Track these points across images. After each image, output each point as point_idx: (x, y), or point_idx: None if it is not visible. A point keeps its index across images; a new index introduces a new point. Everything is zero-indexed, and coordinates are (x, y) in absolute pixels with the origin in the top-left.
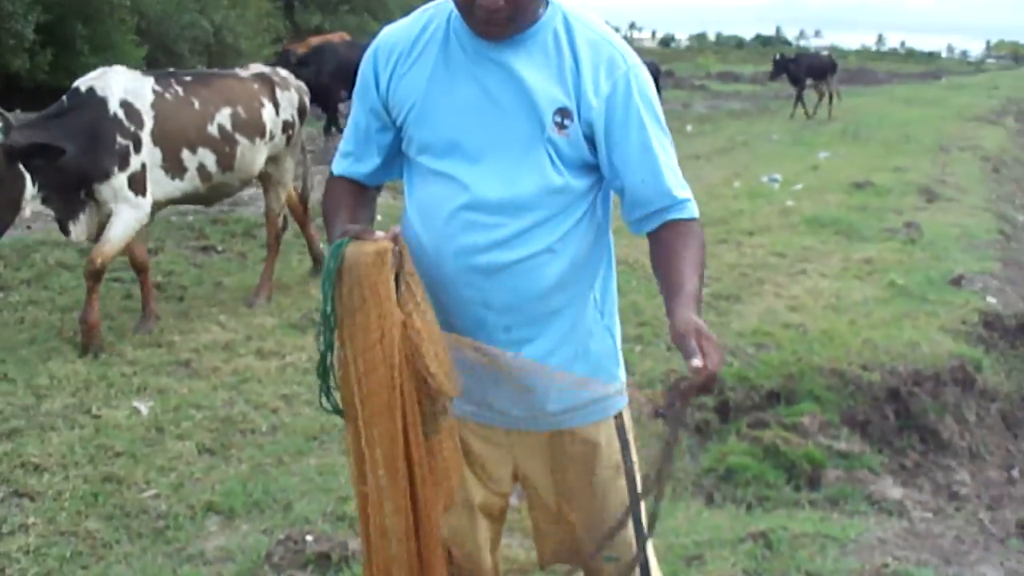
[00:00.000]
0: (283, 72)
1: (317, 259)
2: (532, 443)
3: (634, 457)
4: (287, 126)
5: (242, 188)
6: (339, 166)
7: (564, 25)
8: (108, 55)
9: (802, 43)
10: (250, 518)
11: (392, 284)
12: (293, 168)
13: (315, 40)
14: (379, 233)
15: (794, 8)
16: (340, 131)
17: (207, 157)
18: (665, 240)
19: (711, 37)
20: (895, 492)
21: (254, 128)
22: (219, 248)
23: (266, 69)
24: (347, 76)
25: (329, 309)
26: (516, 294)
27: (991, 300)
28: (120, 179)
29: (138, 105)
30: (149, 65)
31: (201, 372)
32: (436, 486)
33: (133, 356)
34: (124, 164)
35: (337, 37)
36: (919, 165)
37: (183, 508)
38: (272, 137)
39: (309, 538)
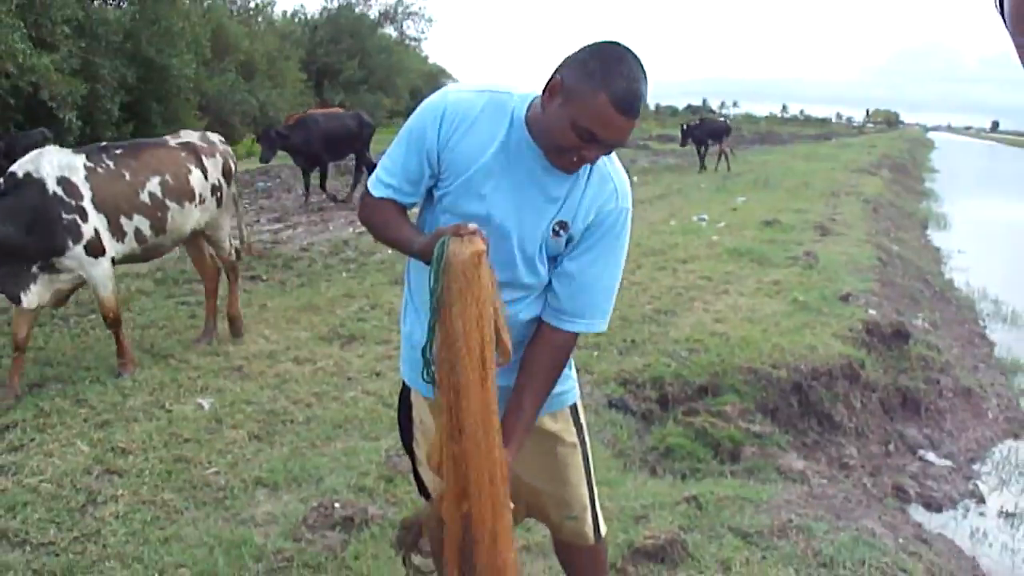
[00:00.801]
0: (212, 137)
1: (208, 329)
2: None
3: (587, 437)
4: (215, 189)
5: (174, 247)
6: (382, 191)
7: None
8: (176, 126)
9: (723, 111)
10: (290, 490)
11: (486, 279)
12: (228, 224)
13: (314, 111)
14: (472, 225)
15: (716, 83)
16: (307, 185)
17: (142, 223)
18: (545, 341)
19: (651, 106)
20: (798, 464)
21: (183, 193)
22: (264, 277)
23: (194, 137)
24: (328, 141)
25: (436, 299)
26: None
27: (872, 312)
28: (78, 251)
29: (75, 179)
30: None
31: (251, 375)
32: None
33: (197, 363)
34: (77, 237)
35: (338, 109)
36: (815, 207)
37: (238, 482)
38: (203, 200)
39: (337, 505)
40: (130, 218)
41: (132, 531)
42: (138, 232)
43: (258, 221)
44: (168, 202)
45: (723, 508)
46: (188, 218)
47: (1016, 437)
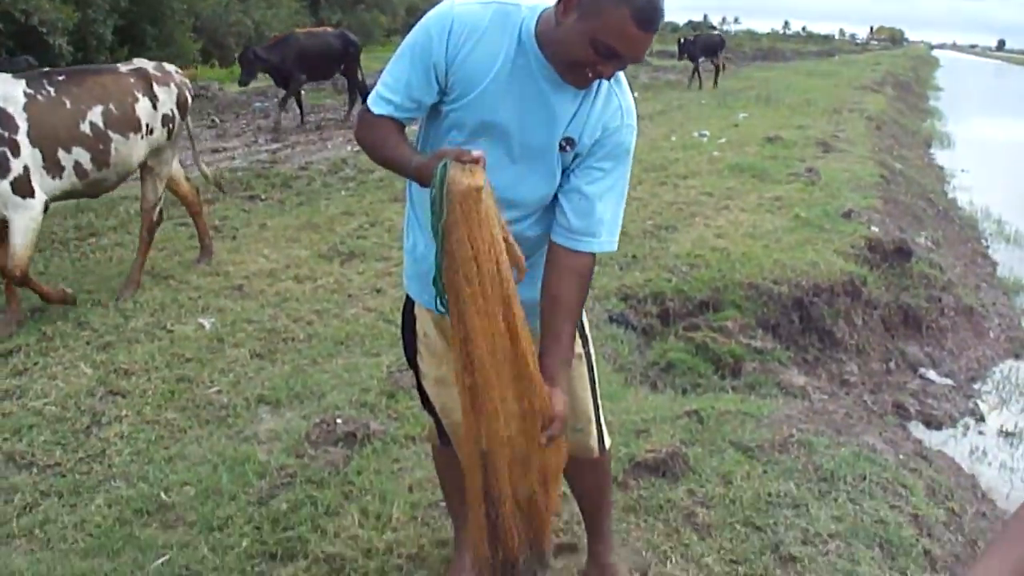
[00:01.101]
0: (167, 67)
1: (205, 248)
2: None
3: (591, 349)
4: (167, 120)
5: (120, 182)
6: (382, 108)
7: None
8: (171, 49)
9: (724, 27)
10: (292, 407)
11: (484, 211)
12: (172, 160)
13: (299, 30)
14: (476, 152)
15: None
16: (299, 104)
17: (82, 155)
18: (562, 267)
19: None
20: (799, 380)
21: (128, 124)
22: (263, 197)
23: (147, 64)
24: (305, 61)
25: (439, 224)
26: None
27: (874, 229)
28: (3, 186)
29: (11, 110)
30: (202, 55)
31: (251, 294)
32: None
33: (197, 283)
34: (4, 171)
35: (321, 29)
36: (817, 124)
37: (240, 400)
38: (151, 131)
39: (339, 421)
40: (68, 151)
41: (137, 451)
42: (78, 166)
43: (256, 141)
44: (111, 133)
45: (724, 422)
46: (134, 150)
47: (1017, 357)
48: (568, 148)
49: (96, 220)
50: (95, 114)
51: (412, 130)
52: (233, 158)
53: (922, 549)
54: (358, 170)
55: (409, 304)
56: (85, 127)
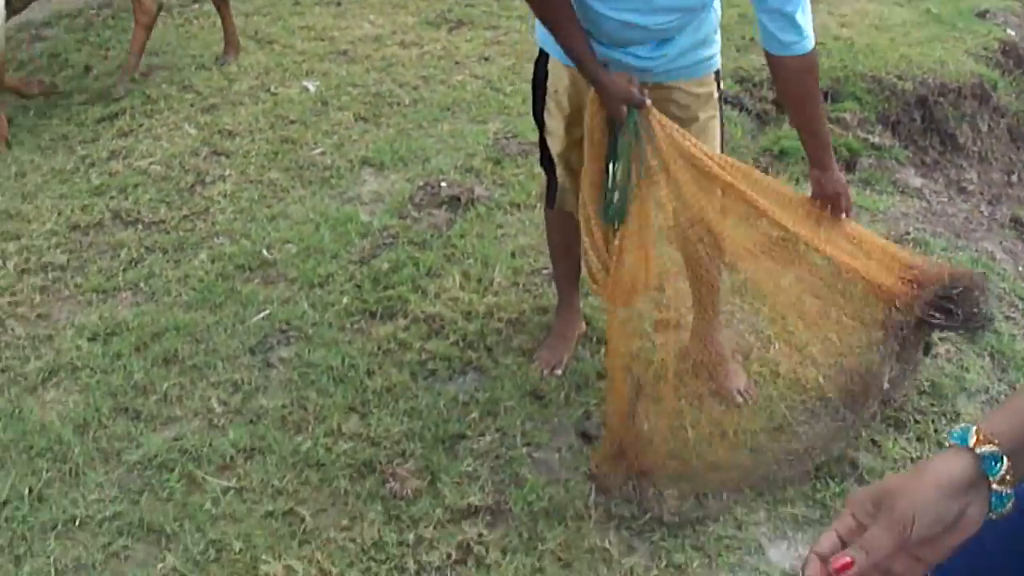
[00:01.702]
0: None
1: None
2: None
3: (722, 107)
4: None
5: None
6: None
7: None
8: None
9: None
10: (396, 169)
11: (679, 145)
12: None
13: None
14: (649, 101)
15: None
16: None
17: None
18: (789, 71)
19: None
20: (915, 181)
21: None
22: None
23: None
24: None
25: (626, 161)
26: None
27: (1011, 32)
28: None
29: None
30: None
31: (356, 59)
32: None
33: (302, 47)
34: None
35: None
36: None
37: (343, 162)
38: None
39: (443, 184)
40: None
41: (240, 209)
42: None
43: None
44: None
45: None
46: None
47: None
48: None
49: None
50: None
51: None
52: None
53: None
54: None
55: (542, 58)
56: None
